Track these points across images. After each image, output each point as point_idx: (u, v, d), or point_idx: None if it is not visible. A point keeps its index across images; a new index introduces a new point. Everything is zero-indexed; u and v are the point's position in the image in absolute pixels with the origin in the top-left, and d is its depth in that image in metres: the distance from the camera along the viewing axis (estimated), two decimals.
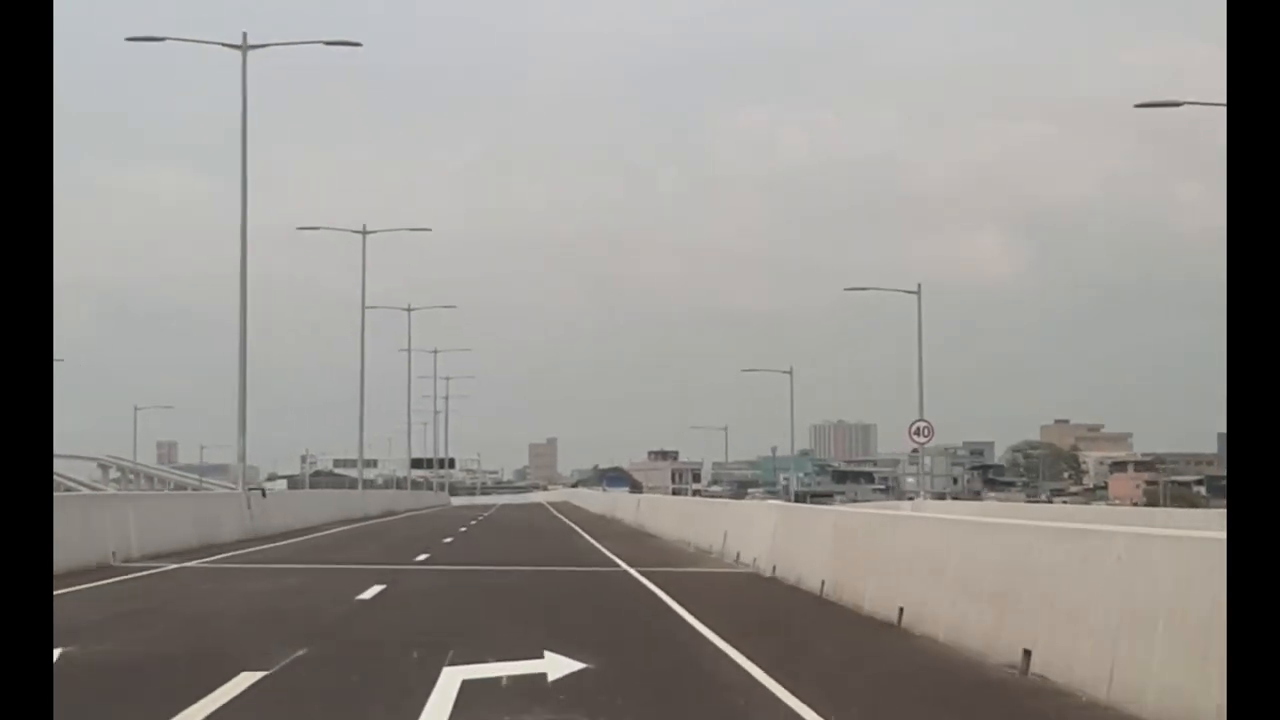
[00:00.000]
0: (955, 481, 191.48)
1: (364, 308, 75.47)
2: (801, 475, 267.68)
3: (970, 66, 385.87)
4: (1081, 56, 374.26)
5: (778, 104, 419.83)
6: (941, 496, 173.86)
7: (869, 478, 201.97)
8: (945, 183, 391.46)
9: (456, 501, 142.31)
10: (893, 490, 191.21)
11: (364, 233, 72.67)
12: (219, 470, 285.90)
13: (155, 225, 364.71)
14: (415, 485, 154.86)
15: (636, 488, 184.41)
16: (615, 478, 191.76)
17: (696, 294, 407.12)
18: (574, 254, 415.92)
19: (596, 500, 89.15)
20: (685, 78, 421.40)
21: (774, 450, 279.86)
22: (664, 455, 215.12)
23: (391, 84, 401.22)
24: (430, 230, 77.14)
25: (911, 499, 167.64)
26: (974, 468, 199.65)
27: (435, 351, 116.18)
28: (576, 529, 53.11)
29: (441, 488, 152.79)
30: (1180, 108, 41.69)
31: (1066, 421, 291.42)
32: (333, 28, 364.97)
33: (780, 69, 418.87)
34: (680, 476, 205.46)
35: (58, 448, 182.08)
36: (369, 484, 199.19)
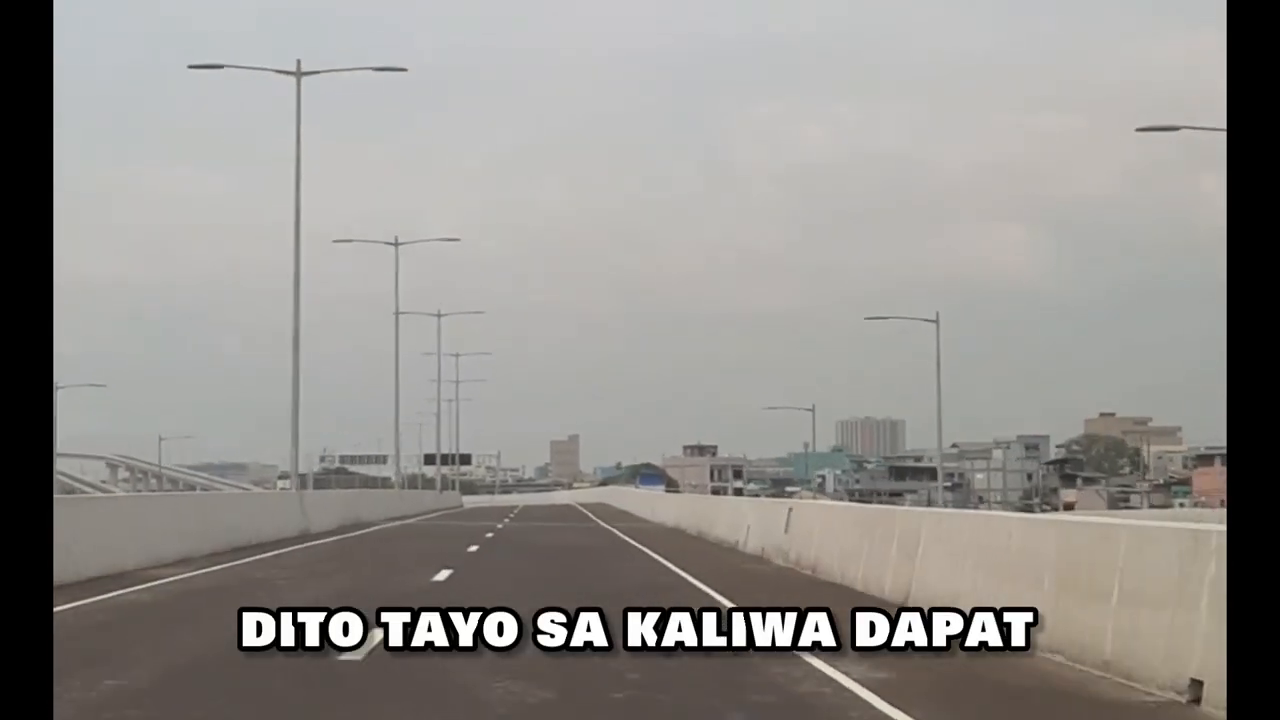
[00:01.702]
0: (1030, 478, 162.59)
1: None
2: (838, 473, 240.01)
3: (991, 59, 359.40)
4: (1104, 48, 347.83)
5: (796, 100, 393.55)
6: (1032, 502, 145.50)
7: (931, 474, 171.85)
8: (966, 178, 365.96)
9: (471, 502, 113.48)
10: (961, 489, 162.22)
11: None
12: (236, 469, 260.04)
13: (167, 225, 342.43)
14: (427, 484, 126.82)
15: (672, 486, 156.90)
16: (649, 475, 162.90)
17: (716, 291, 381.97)
18: (591, 251, 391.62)
19: (655, 505, 60.21)
20: (703, 74, 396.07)
21: (806, 446, 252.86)
22: (701, 450, 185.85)
23: (409, 82, 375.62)
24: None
25: (982, 499, 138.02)
26: (1049, 463, 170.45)
27: (439, 314, 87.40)
28: (684, 576, 24.13)
29: (450, 485, 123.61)
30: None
31: (1113, 415, 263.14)
32: (348, 24, 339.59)
33: (800, 64, 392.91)
34: (720, 473, 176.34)
35: (68, 448, 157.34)
36: (383, 484, 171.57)
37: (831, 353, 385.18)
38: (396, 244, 64.38)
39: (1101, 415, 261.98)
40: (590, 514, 66.64)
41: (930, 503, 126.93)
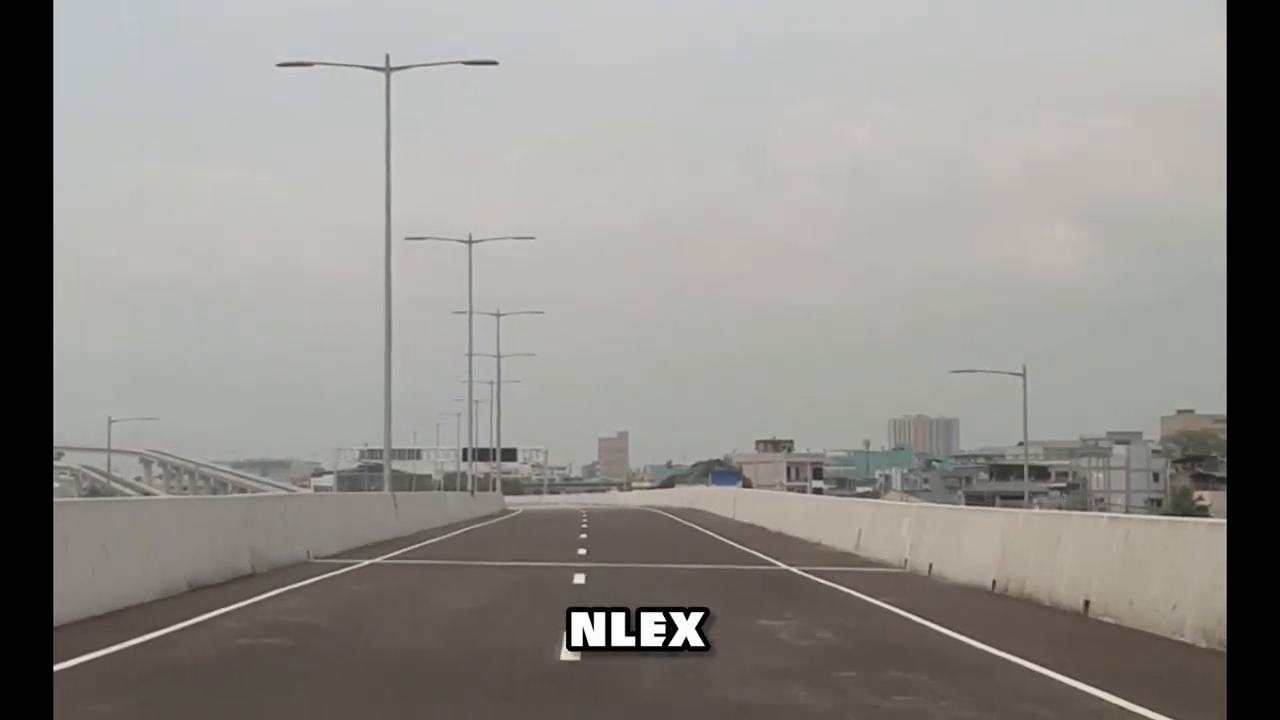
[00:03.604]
0: (1155, 478, 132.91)
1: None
2: (905, 472, 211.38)
3: (1036, 58, 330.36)
4: (1148, 46, 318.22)
5: (842, 98, 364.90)
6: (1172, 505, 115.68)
7: (1038, 473, 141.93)
8: (1013, 176, 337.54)
9: (517, 505, 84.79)
10: (1077, 489, 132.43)
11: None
12: (279, 466, 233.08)
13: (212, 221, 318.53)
14: (458, 484, 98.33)
15: (747, 486, 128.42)
16: (722, 472, 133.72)
17: (761, 289, 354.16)
18: (635, 249, 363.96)
19: (863, 520, 31.21)
20: (748, 72, 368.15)
21: (867, 444, 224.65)
22: (775, 445, 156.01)
23: (451, 78, 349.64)
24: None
25: (1100, 501, 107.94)
26: (1178, 461, 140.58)
27: (470, 240, 58.42)
28: None
29: (486, 486, 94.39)
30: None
31: (1191, 412, 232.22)
32: (384, 20, 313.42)
33: (845, 63, 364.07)
34: (797, 471, 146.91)
35: (99, 443, 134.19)
36: (423, 481, 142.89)
37: (879, 350, 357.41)
38: (388, 69, 36.23)
39: (1179, 412, 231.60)
40: (711, 530, 37.83)
41: (1061, 507, 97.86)
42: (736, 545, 30.50)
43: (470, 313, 64.74)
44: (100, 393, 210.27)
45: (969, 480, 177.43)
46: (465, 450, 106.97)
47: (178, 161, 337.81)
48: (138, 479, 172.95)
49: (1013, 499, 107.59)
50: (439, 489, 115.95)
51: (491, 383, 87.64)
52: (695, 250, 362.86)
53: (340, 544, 26.60)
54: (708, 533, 36.94)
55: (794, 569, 23.15)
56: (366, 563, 23.56)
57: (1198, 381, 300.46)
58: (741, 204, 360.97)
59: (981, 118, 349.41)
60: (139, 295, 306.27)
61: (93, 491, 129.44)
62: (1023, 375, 62.32)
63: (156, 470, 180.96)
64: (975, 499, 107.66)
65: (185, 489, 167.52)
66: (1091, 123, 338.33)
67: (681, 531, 38.51)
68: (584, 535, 35.30)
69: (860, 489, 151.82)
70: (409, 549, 28.28)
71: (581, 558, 25.72)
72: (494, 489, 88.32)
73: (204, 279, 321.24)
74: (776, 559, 25.42)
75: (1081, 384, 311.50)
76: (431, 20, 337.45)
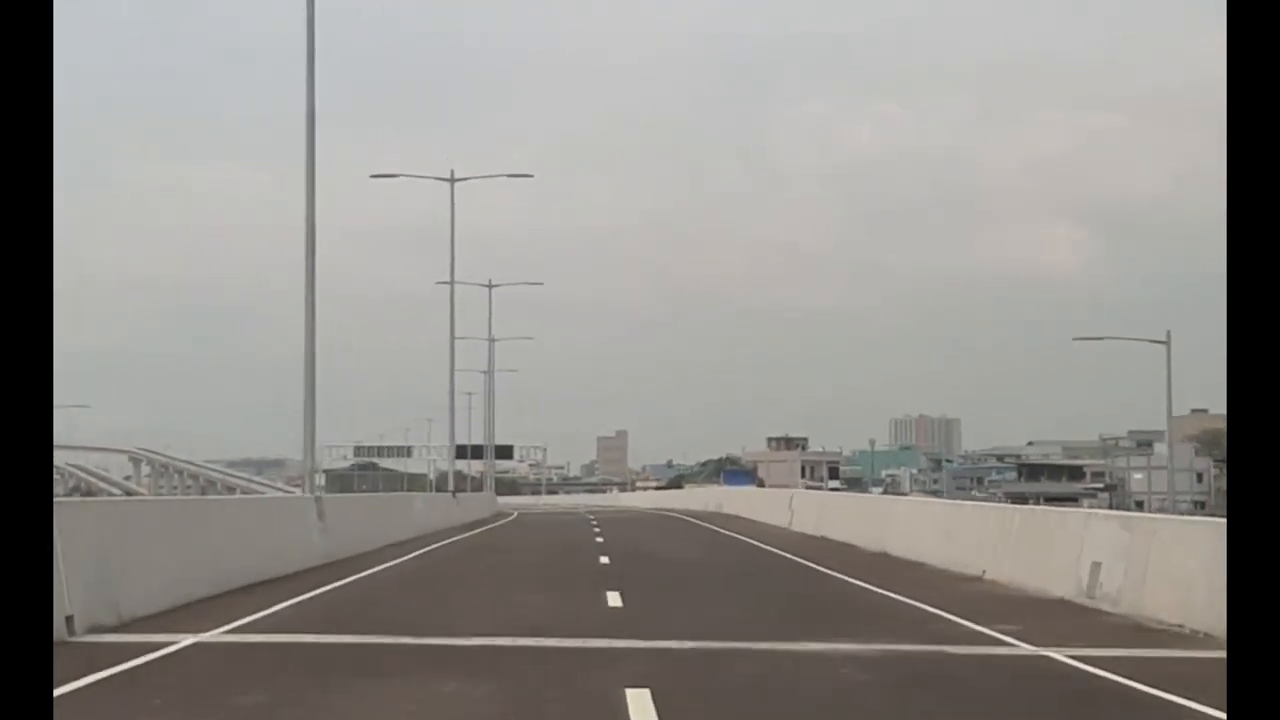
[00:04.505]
0: (1199, 478, 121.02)
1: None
2: (915, 471, 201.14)
3: (1037, 58, 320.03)
4: (1150, 46, 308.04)
5: (843, 98, 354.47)
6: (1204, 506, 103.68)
7: (1072, 472, 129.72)
8: (1013, 176, 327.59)
9: (511, 505, 72.60)
10: (1115, 490, 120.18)
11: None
12: (275, 465, 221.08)
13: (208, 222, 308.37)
14: (467, 483, 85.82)
15: (760, 485, 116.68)
16: (734, 471, 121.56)
17: (761, 289, 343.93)
18: (635, 249, 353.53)
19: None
20: (750, 73, 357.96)
21: (872, 443, 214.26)
22: (789, 443, 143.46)
23: (452, 79, 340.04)
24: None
25: (1140, 503, 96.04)
26: (1222, 461, 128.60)
27: (451, 179, 45.64)
28: None
29: (470, 486, 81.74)
30: None
31: (1205, 411, 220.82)
32: (395, 23, 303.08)
33: (846, 63, 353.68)
34: (812, 470, 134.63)
35: (94, 441, 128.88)
36: (417, 480, 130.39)
37: (879, 350, 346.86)
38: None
39: (1194, 412, 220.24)
40: (785, 551, 25.22)
41: (1114, 507, 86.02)
42: (865, 585, 17.98)
43: (453, 278, 52.33)
44: (98, 391, 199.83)
45: (980, 481, 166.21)
46: (457, 446, 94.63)
47: (178, 161, 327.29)
48: (127, 478, 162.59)
49: (1057, 500, 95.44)
50: (432, 489, 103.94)
51: (484, 372, 75.42)
52: (695, 250, 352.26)
53: (189, 586, 14.38)
54: (787, 555, 24.36)
55: (1058, 656, 10.94)
56: (189, 641, 11.26)
57: (1203, 381, 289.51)
58: (741, 204, 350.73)
59: (981, 118, 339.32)
60: (138, 294, 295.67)
61: (76, 491, 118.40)
62: (1166, 343, 49.84)
63: (145, 470, 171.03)
64: (1016, 500, 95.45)
65: (175, 489, 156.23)
66: (1091, 123, 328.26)
67: (747, 554, 25.74)
68: (604, 560, 22.90)
69: (873, 489, 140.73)
70: (313, 594, 15.96)
71: (617, 617, 13.54)
72: (486, 488, 75.82)
73: (202, 278, 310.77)
74: (987, 626, 13.07)
75: (1084, 383, 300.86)
76: (431, 19, 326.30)
